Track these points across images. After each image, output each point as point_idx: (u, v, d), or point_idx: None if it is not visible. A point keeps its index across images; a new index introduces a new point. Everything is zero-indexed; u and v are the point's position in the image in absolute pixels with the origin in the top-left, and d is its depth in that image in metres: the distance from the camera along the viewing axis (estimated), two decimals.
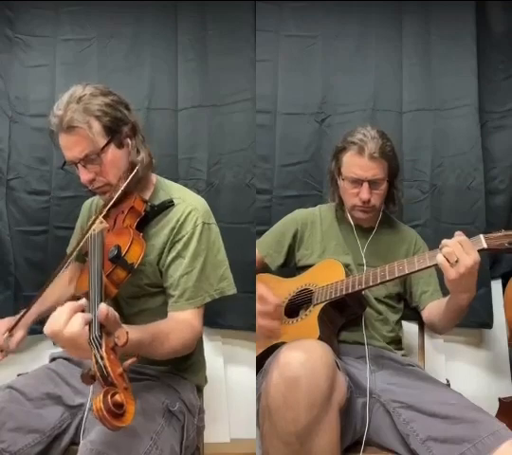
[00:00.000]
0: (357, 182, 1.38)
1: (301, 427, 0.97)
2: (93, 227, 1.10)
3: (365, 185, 1.37)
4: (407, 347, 1.53)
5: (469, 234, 1.09)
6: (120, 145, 1.16)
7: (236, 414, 1.86)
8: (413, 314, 1.49)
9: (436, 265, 1.09)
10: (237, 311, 1.78)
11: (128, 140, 1.18)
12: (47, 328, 0.85)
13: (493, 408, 1.58)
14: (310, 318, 1.29)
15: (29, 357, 1.78)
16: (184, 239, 1.18)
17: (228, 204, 1.82)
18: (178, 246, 1.18)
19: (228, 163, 1.84)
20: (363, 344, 1.30)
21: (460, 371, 1.87)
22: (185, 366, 1.26)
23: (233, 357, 1.89)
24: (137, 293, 1.21)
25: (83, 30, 1.86)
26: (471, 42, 1.82)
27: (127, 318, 1.18)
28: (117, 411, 0.73)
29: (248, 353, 1.86)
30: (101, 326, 0.85)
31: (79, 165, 1.14)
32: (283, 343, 1.16)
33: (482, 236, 1.07)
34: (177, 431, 1.13)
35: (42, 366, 1.27)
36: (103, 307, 0.86)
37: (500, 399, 1.62)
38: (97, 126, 1.12)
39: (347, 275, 1.33)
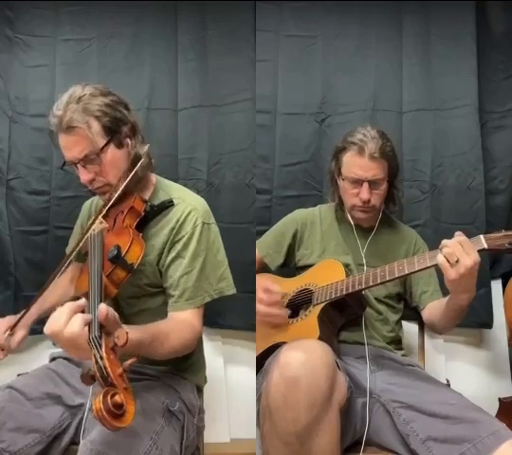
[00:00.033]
0: (357, 182, 1.38)
1: (301, 427, 0.97)
2: (93, 226, 1.10)
3: (365, 185, 1.37)
4: (407, 347, 1.53)
5: (469, 234, 1.09)
6: (120, 145, 1.16)
7: (236, 414, 1.86)
8: (413, 314, 1.49)
9: (436, 266, 1.09)
10: (237, 311, 1.78)
11: (128, 140, 1.18)
12: (47, 328, 0.85)
13: (493, 408, 1.58)
14: (310, 318, 1.29)
15: (29, 357, 1.78)
16: (184, 239, 1.18)
17: (228, 204, 1.82)
18: (178, 247, 1.18)
19: (228, 163, 1.84)
20: (363, 344, 1.30)
21: (460, 371, 1.87)
22: (185, 366, 1.26)
23: (233, 357, 1.89)
24: (136, 293, 1.21)
25: (83, 30, 1.86)
26: (471, 42, 1.82)
27: (127, 319, 1.18)
28: (116, 412, 0.73)
29: (248, 353, 1.86)
30: (101, 326, 0.85)
31: (78, 165, 1.15)
32: (284, 343, 1.16)
33: (482, 236, 1.07)
34: (177, 431, 1.13)
35: (42, 366, 1.27)
36: (103, 307, 0.86)
37: (500, 399, 1.62)
38: (96, 126, 1.12)
39: (347, 275, 1.33)
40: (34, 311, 1.20)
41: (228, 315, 1.81)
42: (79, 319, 0.85)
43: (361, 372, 1.22)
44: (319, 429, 0.98)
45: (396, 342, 1.42)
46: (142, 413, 1.04)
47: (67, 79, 1.79)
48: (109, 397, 0.73)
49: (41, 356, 1.74)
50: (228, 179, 1.83)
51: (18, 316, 1.17)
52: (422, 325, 1.53)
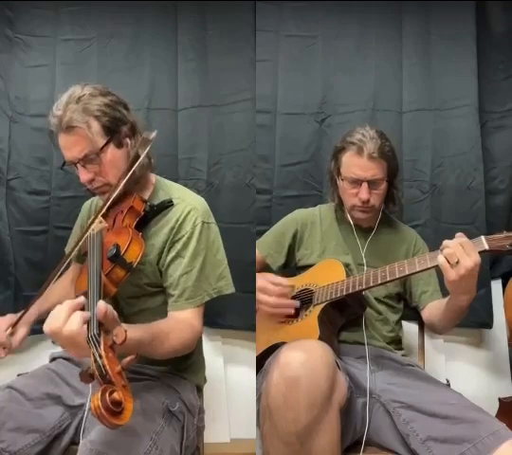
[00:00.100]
0: (357, 182, 1.38)
1: (301, 427, 0.97)
2: (92, 226, 1.10)
3: (364, 185, 1.37)
4: (407, 347, 1.53)
5: (469, 234, 1.09)
6: (120, 145, 1.17)
7: (236, 414, 1.86)
8: (413, 314, 1.49)
9: (437, 266, 1.09)
10: (237, 311, 1.78)
11: (127, 140, 1.18)
12: (46, 326, 0.86)
13: (493, 408, 1.58)
14: (310, 318, 1.29)
15: (29, 357, 1.78)
16: (183, 238, 1.18)
17: (228, 204, 1.82)
18: (178, 246, 1.18)
19: (228, 163, 1.84)
20: (363, 344, 1.30)
21: (460, 371, 1.87)
22: (185, 366, 1.26)
23: (233, 357, 1.89)
24: (136, 293, 1.21)
25: (83, 30, 1.86)
26: (471, 42, 1.82)
27: (127, 318, 1.18)
28: (115, 409, 0.73)
29: (248, 353, 1.86)
30: (100, 324, 0.85)
31: (78, 165, 1.15)
32: (284, 343, 1.16)
33: (483, 237, 1.07)
34: (177, 431, 1.12)
35: (42, 366, 1.27)
36: (102, 305, 0.86)
37: (500, 399, 1.62)
38: (96, 126, 1.12)
39: (347, 275, 1.33)
40: (34, 311, 1.20)
41: (228, 315, 1.81)
42: (78, 317, 0.85)
43: (361, 372, 1.22)
44: (319, 429, 0.98)
45: (396, 342, 1.42)
46: (142, 413, 1.04)
47: (67, 79, 1.79)
48: (107, 394, 0.73)
49: (41, 356, 1.74)
50: (228, 179, 1.83)
51: (19, 314, 1.17)
52: (422, 325, 1.53)
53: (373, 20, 1.87)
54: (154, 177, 1.29)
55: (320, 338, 1.19)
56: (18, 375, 1.23)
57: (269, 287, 1.25)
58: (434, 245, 1.13)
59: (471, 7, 1.82)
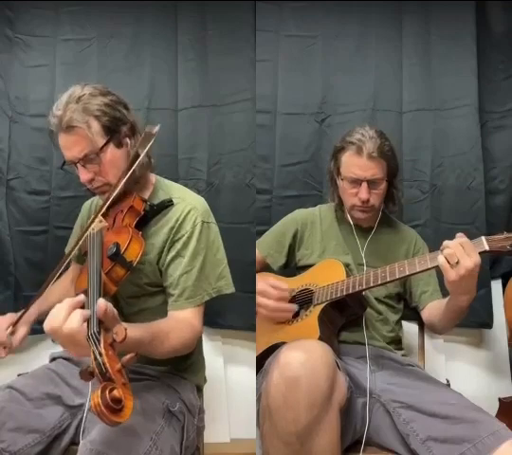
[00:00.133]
0: (356, 182, 1.38)
1: (301, 427, 0.97)
2: (92, 225, 1.10)
3: (364, 185, 1.37)
4: (407, 347, 1.53)
5: (470, 234, 1.09)
6: (120, 145, 1.17)
7: (236, 414, 1.86)
8: (413, 314, 1.49)
9: (437, 267, 1.09)
10: (237, 311, 1.78)
11: (127, 140, 1.18)
12: (47, 324, 0.86)
13: (493, 408, 1.58)
14: (310, 318, 1.29)
15: (29, 357, 1.78)
16: (183, 238, 1.18)
17: (228, 204, 1.82)
18: (178, 245, 1.18)
19: (228, 163, 1.83)
20: (363, 344, 1.29)
21: (460, 371, 1.87)
22: (185, 366, 1.26)
23: (233, 357, 1.89)
24: (136, 292, 1.21)
25: (83, 30, 1.86)
26: (471, 42, 1.82)
27: (127, 318, 1.18)
28: (115, 407, 0.73)
29: (248, 353, 1.86)
30: (100, 322, 0.85)
31: (78, 165, 1.15)
32: (284, 343, 1.16)
33: (483, 238, 1.07)
34: (177, 432, 1.12)
35: (42, 366, 1.27)
36: (102, 302, 0.86)
37: (500, 399, 1.62)
38: (96, 126, 1.12)
39: (347, 275, 1.33)
40: (35, 310, 1.20)
41: (228, 315, 1.81)
42: (77, 315, 0.85)
43: (361, 372, 1.22)
44: (319, 429, 0.98)
45: (396, 342, 1.42)
46: (142, 413, 1.04)
47: (67, 79, 1.79)
48: (107, 392, 0.73)
49: (41, 356, 1.74)
50: (228, 179, 1.83)
51: (19, 313, 1.17)
52: (422, 325, 1.53)
53: (373, 20, 1.87)
54: (154, 177, 1.29)
55: (320, 338, 1.19)
56: (18, 375, 1.23)
57: (269, 290, 1.25)
58: (434, 245, 1.13)
59: (471, 7, 1.82)
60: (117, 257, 1.00)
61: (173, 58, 1.86)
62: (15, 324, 1.16)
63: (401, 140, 1.83)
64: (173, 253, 1.18)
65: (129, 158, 1.17)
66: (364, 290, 1.27)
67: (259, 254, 1.55)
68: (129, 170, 1.13)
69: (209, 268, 1.21)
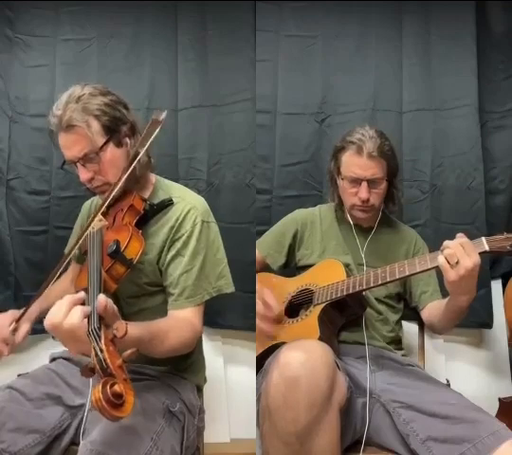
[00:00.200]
0: (356, 181, 1.38)
1: (301, 427, 0.97)
2: (92, 224, 1.10)
3: (364, 184, 1.37)
4: (407, 347, 1.53)
5: (470, 234, 1.09)
6: (119, 144, 1.17)
7: (236, 414, 1.86)
8: (413, 314, 1.49)
9: (437, 267, 1.09)
10: (237, 311, 1.78)
11: (127, 140, 1.18)
12: (47, 321, 0.86)
13: (493, 408, 1.58)
14: (310, 318, 1.29)
15: (29, 357, 1.78)
16: (183, 237, 1.18)
17: (228, 204, 1.82)
18: (178, 245, 1.18)
19: (228, 163, 1.83)
20: (363, 344, 1.29)
21: (460, 371, 1.87)
22: (185, 366, 1.26)
23: (233, 357, 1.89)
24: (136, 292, 1.21)
25: (83, 30, 1.86)
26: (471, 42, 1.82)
27: (127, 318, 1.16)
28: (116, 401, 0.73)
29: (248, 353, 1.86)
30: (100, 318, 0.85)
31: (78, 164, 1.15)
32: (283, 343, 1.16)
33: (484, 238, 1.07)
34: (178, 432, 1.12)
35: (42, 366, 1.27)
36: (102, 298, 0.86)
37: (500, 399, 1.62)
38: (96, 125, 1.12)
39: (347, 275, 1.33)
40: (35, 309, 1.20)
41: (228, 315, 1.81)
42: (78, 311, 0.85)
43: (361, 372, 1.22)
44: (319, 429, 0.98)
45: (396, 342, 1.42)
46: (143, 414, 1.04)
47: (67, 79, 1.79)
48: (108, 387, 0.73)
49: (41, 356, 1.74)
50: (228, 179, 1.83)
51: (22, 310, 1.17)
52: (422, 325, 1.53)
53: (373, 20, 1.87)
54: (153, 177, 1.29)
55: (320, 338, 1.19)
56: (18, 375, 1.23)
57: (259, 306, 1.24)
58: (434, 245, 1.13)
59: (471, 7, 1.82)
60: (117, 254, 1.00)
61: (173, 58, 1.86)
62: (18, 320, 1.16)
63: (401, 140, 1.83)
64: (173, 252, 1.18)
65: (129, 158, 1.16)
66: (364, 290, 1.27)
67: (259, 254, 1.55)
68: (129, 167, 1.13)
69: (209, 268, 1.21)
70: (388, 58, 1.87)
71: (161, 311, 1.18)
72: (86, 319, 0.85)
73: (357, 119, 1.81)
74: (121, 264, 1.01)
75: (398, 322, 1.45)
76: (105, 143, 1.13)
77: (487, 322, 1.82)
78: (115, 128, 1.15)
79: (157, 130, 1.12)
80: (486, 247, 1.06)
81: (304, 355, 1.00)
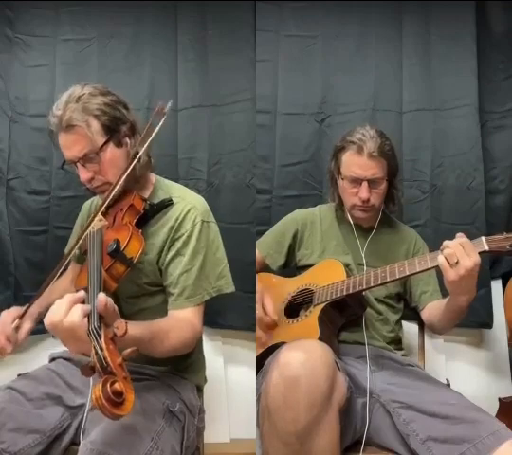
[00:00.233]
0: (357, 181, 1.38)
1: (300, 427, 0.97)
2: (92, 224, 1.10)
3: (364, 184, 1.37)
4: (407, 347, 1.53)
5: (470, 234, 1.09)
6: (119, 144, 1.17)
7: (236, 414, 1.86)
8: (413, 314, 1.49)
9: (437, 267, 1.09)
10: (237, 311, 1.78)
11: (127, 139, 1.18)
12: (47, 319, 0.86)
13: (493, 408, 1.58)
14: (310, 318, 1.29)
15: (29, 357, 1.78)
16: (183, 237, 1.18)
17: (228, 204, 1.82)
18: (178, 245, 1.18)
19: (228, 163, 1.84)
20: (363, 344, 1.29)
21: (460, 371, 1.87)
22: (185, 365, 1.26)
23: (233, 357, 1.89)
24: (136, 292, 1.21)
25: (83, 30, 1.86)
26: (471, 42, 1.82)
27: (127, 318, 1.15)
28: (116, 400, 0.73)
29: (248, 353, 1.86)
30: (100, 317, 0.85)
31: (78, 164, 1.15)
32: (283, 343, 1.16)
33: (483, 238, 1.07)
34: (178, 432, 1.12)
35: (42, 366, 1.27)
36: (102, 297, 0.86)
37: (500, 399, 1.62)
38: (96, 125, 1.12)
39: (347, 275, 1.33)
40: (35, 309, 1.20)
41: (228, 315, 1.81)
42: (78, 310, 0.85)
43: (361, 372, 1.22)
44: (318, 429, 0.98)
45: (396, 342, 1.42)
46: (143, 414, 1.04)
47: (67, 79, 1.79)
48: (109, 385, 0.73)
49: (41, 356, 1.73)
50: (228, 179, 1.83)
51: (24, 307, 1.17)
52: (422, 325, 1.53)
53: (373, 20, 1.87)
54: (153, 177, 1.29)
55: (320, 338, 1.19)
56: (18, 375, 1.23)
57: (258, 311, 1.24)
58: (434, 245, 1.13)
59: (471, 7, 1.82)
60: (117, 253, 1.00)
61: (173, 58, 1.86)
62: (21, 317, 1.15)
63: (401, 140, 1.83)
64: (172, 252, 1.18)
65: (129, 158, 1.17)
66: (364, 290, 1.27)
67: (259, 254, 1.55)
68: (129, 166, 1.12)
69: (209, 267, 1.21)
70: (388, 58, 1.87)
71: (161, 311, 1.18)
72: (86, 318, 0.85)
73: (357, 119, 1.81)
74: (121, 264, 1.01)
75: (398, 322, 1.45)
76: (105, 143, 1.13)
77: (487, 322, 1.82)
78: (115, 128, 1.15)
79: (163, 120, 1.12)
80: (486, 247, 1.06)
81: (304, 355, 1.00)
